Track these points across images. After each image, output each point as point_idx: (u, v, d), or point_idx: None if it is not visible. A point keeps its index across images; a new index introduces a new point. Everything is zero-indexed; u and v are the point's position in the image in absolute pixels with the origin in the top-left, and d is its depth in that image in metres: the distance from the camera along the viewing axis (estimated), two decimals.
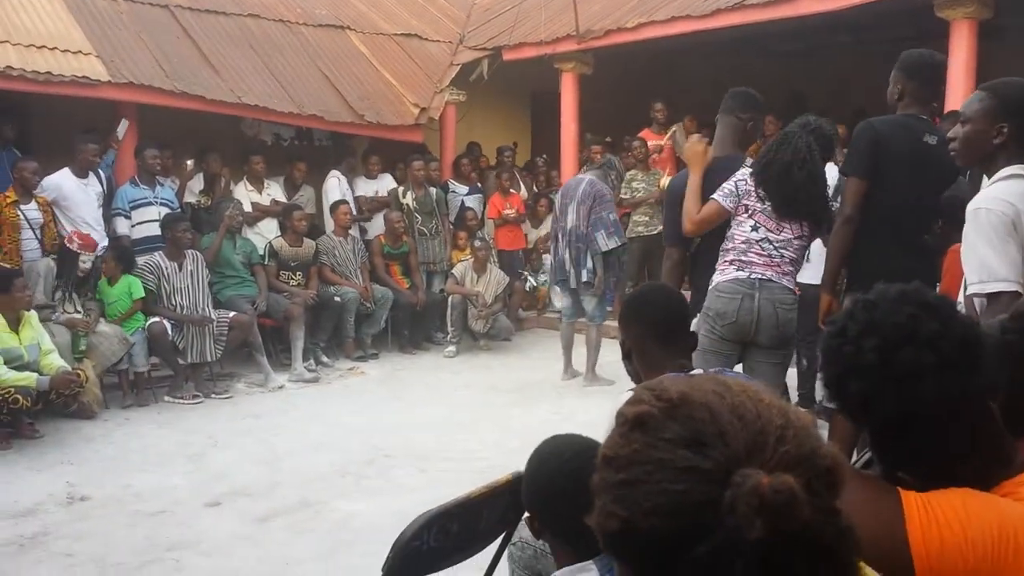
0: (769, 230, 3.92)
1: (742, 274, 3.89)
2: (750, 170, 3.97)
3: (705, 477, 0.82)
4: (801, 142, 3.85)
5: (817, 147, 3.88)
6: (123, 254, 7.16)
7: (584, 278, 7.16)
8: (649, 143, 9.56)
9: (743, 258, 3.91)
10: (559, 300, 7.79)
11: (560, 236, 7.28)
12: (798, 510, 0.79)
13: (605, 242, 7.03)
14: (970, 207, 2.76)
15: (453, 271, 8.92)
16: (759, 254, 3.91)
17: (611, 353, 7.03)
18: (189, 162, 8.26)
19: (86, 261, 6.94)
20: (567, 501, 1.85)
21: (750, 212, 3.93)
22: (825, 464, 0.85)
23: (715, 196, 3.99)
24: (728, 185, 3.97)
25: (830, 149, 4.15)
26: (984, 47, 7.34)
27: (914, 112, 3.86)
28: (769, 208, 3.89)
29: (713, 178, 4.07)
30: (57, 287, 6.87)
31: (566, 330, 7.53)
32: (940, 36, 7.37)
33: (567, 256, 7.19)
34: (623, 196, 9.29)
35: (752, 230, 3.92)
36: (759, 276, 3.88)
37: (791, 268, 3.98)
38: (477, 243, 8.91)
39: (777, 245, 3.92)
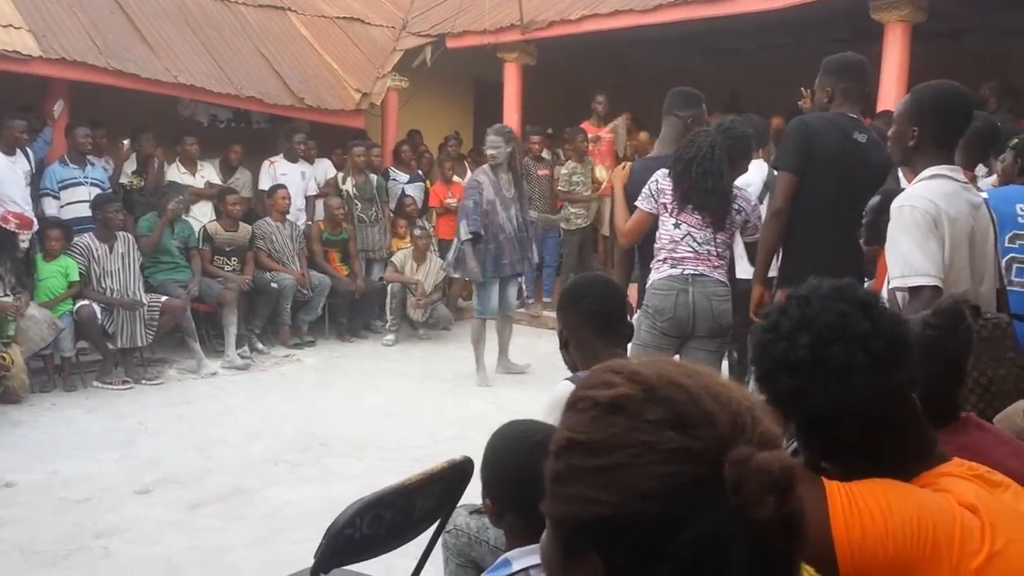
0: (691, 226, 4.12)
1: (675, 271, 4.10)
2: (665, 170, 4.17)
3: (697, 458, 0.81)
4: (705, 141, 4.08)
5: (723, 146, 4.09)
6: (67, 232, 6.95)
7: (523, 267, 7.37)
8: (588, 135, 9.64)
9: (674, 255, 4.13)
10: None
11: (498, 230, 7.07)
12: (798, 486, 0.80)
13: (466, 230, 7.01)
14: (894, 204, 2.86)
15: (393, 259, 8.84)
16: (687, 250, 4.11)
17: (550, 344, 7.08)
18: (125, 142, 8.07)
19: (24, 240, 6.74)
20: (532, 484, 1.88)
21: (670, 211, 4.14)
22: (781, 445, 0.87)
23: (637, 203, 4.25)
24: (644, 188, 4.21)
25: (741, 148, 4.28)
26: (918, 50, 7.53)
27: (844, 111, 3.96)
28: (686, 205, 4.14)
29: (644, 176, 4.30)
30: None
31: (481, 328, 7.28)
32: (875, 38, 7.55)
33: (504, 248, 7.10)
34: (560, 188, 9.36)
35: (675, 227, 4.14)
36: (691, 272, 4.09)
37: (720, 262, 4.17)
38: (417, 231, 8.86)
39: (701, 241, 4.13)
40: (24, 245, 6.76)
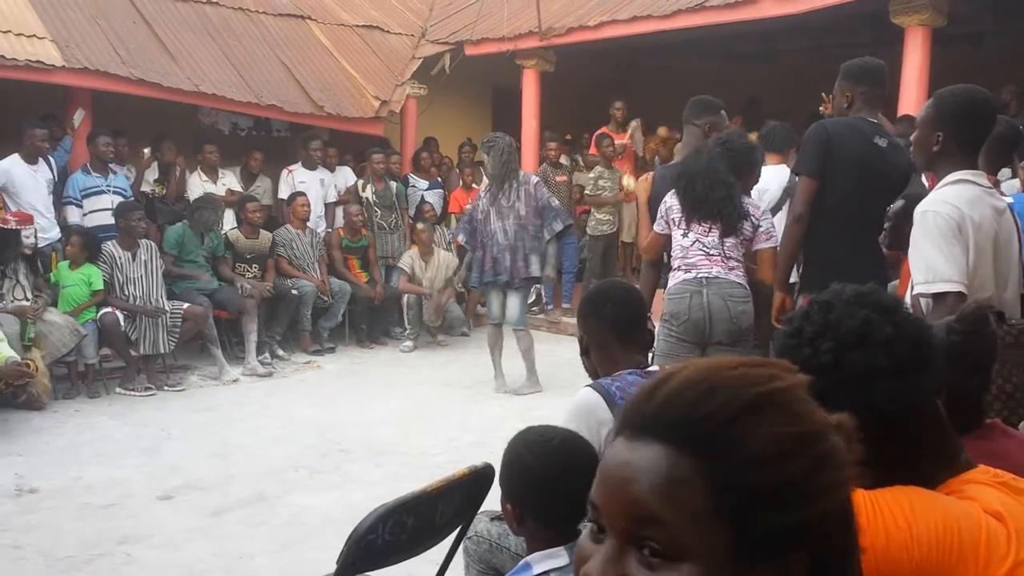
0: (698, 234, 4.17)
1: (688, 275, 4.14)
2: (672, 191, 4.29)
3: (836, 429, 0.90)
4: (704, 156, 4.22)
5: (725, 159, 4.18)
6: (89, 240, 7.01)
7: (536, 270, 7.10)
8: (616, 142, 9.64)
9: (686, 261, 4.18)
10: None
11: (498, 237, 6.90)
12: None
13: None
14: (918, 210, 2.84)
15: (400, 264, 8.79)
16: (698, 254, 4.15)
17: (570, 351, 7.08)
18: (146, 150, 8.15)
19: (28, 236, 6.77)
20: (557, 485, 1.91)
21: (678, 223, 4.22)
22: None
23: (653, 227, 4.40)
24: (658, 212, 4.32)
25: (743, 161, 4.32)
26: (938, 54, 7.49)
27: (864, 116, 3.94)
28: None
29: (666, 185, 4.41)
30: (2, 271, 6.68)
31: (496, 334, 7.20)
32: (895, 42, 7.51)
33: (507, 255, 6.91)
34: (587, 193, 9.35)
35: (683, 236, 4.20)
36: (705, 275, 4.12)
37: (735, 263, 4.17)
38: (419, 225, 8.83)
39: (710, 245, 4.15)
40: (29, 240, 6.77)
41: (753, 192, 5.86)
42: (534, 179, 7.18)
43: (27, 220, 6.83)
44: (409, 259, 8.75)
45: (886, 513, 1.35)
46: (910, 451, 1.44)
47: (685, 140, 4.61)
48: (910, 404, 1.41)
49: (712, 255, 4.13)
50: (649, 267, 4.65)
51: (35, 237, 6.86)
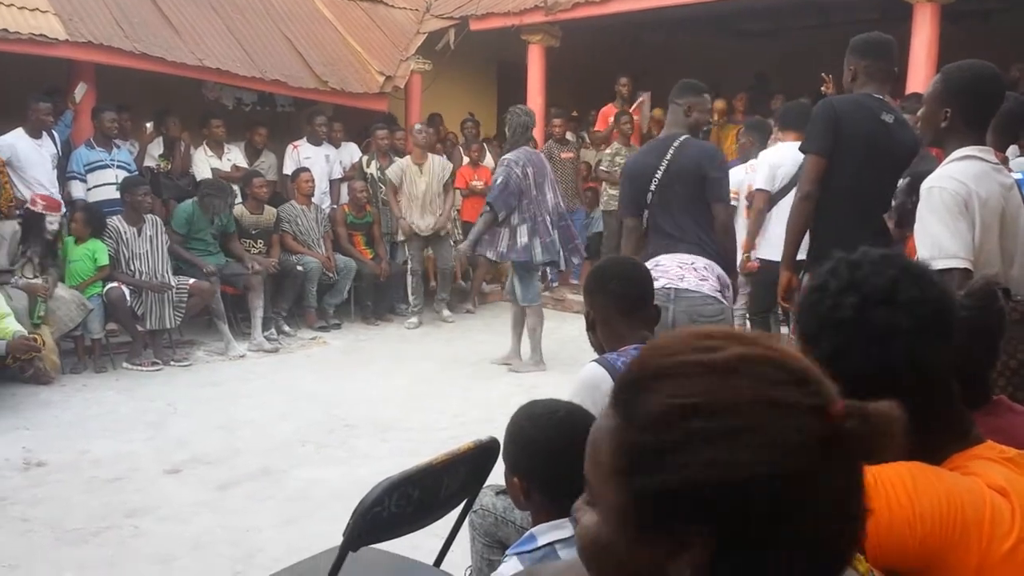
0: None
1: (656, 284, 3.65)
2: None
3: (820, 413, 0.82)
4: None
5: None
6: (93, 215, 7.02)
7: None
8: (611, 119, 9.60)
9: (658, 265, 3.98)
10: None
11: (544, 214, 6.83)
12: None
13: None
14: (924, 186, 2.84)
15: (388, 173, 8.45)
16: (669, 259, 4.05)
17: (575, 328, 7.10)
18: (148, 125, 8.13)
19: (52, 222, 6.81)
20: (563, 457, 1.91)
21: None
22: None
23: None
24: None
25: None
26: (947, 30, 7.43)
27: (870, 91, 3.90)
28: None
29: (643, 156, 4.54)
30: (22, 252, 6.72)
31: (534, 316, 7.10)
32: (903, 18, 7.46)
33: (555, 235, 6.87)
34: (603, 168, 9.31)
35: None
36: (674, 285, 3.92)
37: (707, 273, 4.02)
38: (417, 126, 8.56)
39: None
40: (52, 227, 6.82)
41: (767, 167, 5.88)
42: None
43: (55, 207, 6.86)
44: (399, 168, 8.37)
45: (888, 489, 1.35)
46: (918, 420, 1.44)
47: (669, 119, 4.60)
48: (925, 368, 1.41)
49: (684, 263, 4.01)
50: (635, 227, 4.46)
51: (58, 224, 6.87)
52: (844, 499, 0.82)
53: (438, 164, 8.53)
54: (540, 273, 7.18)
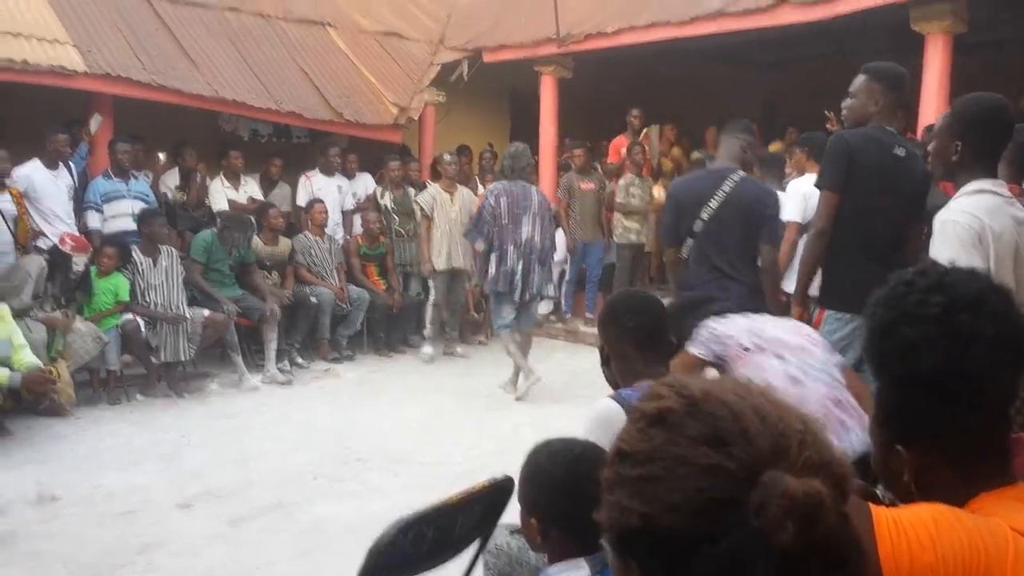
0: None
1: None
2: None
3: (729, 476, 0.81)
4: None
5: None
6: (124, 251, 7.05)
7: (547, 291, 7.44)
8: (622, 150, 9.63)
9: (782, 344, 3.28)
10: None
11: (511, 246, 7.05)
12: (826, 515, 0.79)
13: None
14: (937, 219, 2.83)
15: (419, 199, 8.51)
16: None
17: (588, 361, 7.09)
18: (161, 155, 8.20)
19: (78, 264, 6.86)
20: (578, 496, 1.90)
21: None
22: (841, 472, 0.86)
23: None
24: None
25: None
26: (958, 61, 7.44)
27: (884, 124, 3.89)
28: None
29: (696, 184, 4.46)
30: (46, 289, 6.77)
31: (510, 340, 7.31)
32: (914, 49, 7.46)
33: (519, 267, 7.07)
34: (618, 200, 9.31)
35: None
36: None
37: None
38: (447, 157, 8.60)
39: None
40: (78, 268, 6.88)
41: (799, 197, 5.86)
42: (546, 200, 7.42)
43: (83, 248, 6.91)
44: (430, 196, 8.41)
45: (909, 533, 1.33)
46: (973, 441, 1.42)
47: (723, 152, 4.59)
48: (998, 382, 1.39)
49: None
50: (676, 257, 4.50)
51: (83, 266, 6.91)
52: (745, 565, 0.80)
53: (467, 193, 8.64)
54: (516, 302, 7.20)
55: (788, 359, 3.02)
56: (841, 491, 0.84)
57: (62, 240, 6.81)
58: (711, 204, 4.27)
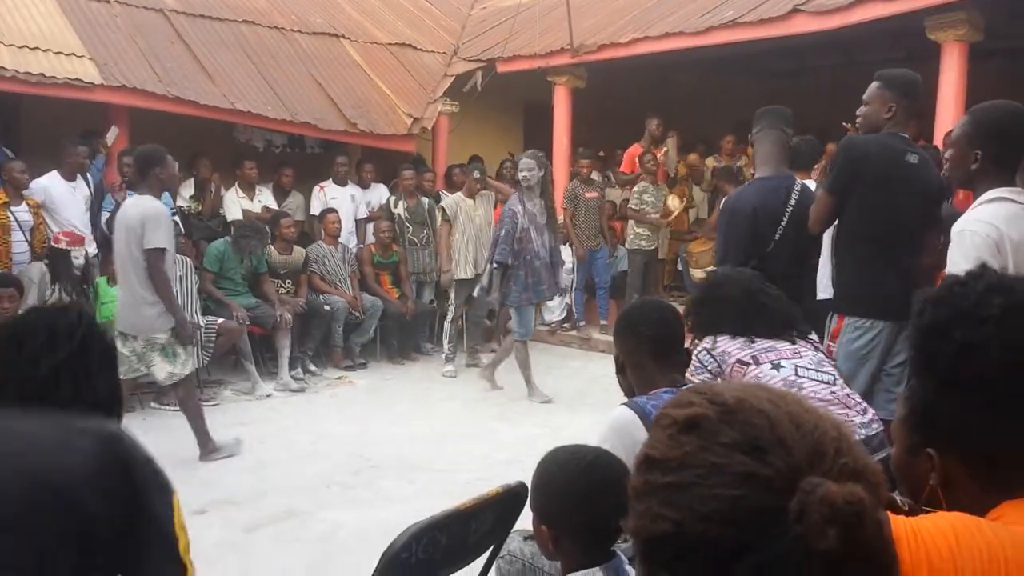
0: None
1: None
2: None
3: (765, 484, 0.81)
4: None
5: None
6: None
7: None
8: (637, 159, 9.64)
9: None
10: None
11: (531, 257, 7.19)
12: (867, 521, 0.79)
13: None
14: (955, 228, 2.82)
15: (444, 204, 8.57)
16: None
17: (601, 368, 7.07)
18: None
19: (78, 256, 6.89)
20: (591, 503, 1.91)
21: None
22: (876, 478, 0.86)
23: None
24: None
25: None
26: (974, 69, 7.41)
27: (898, 130, 3.88)
28: None
29: (768, 196, 4.18)
30: (53, 291, 6.80)
31: (526, 351, 7.40)
32: (929, 57, 7.45)
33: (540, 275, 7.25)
34: (631, 207, 9.32)
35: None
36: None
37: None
38: (475, 173, 8.60)
39: None
40: (78, 262, 6.89)
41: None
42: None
43: (77, 241, 6.95)
44: (453, 203, 8.46)
45: (928, 544, 1.31)
46: (1002, 449, 1.40)
47: (770, 146, 4.31)
48: None
49: None
50: None
51: (84, 258, 6.95)
52: (783, 572, 0.80)
53: (489, 200, 8.65)
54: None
55: (784, 365, 3.02)
56: (878, 497, 0.84)
57: (56, 239, 6.84)
58: (783, 220, 4.08)
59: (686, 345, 2.80)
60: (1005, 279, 1.41)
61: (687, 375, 2.90)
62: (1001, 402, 1.38)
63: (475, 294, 7.83)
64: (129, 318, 5.50)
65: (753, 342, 3.07)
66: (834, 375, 3.11)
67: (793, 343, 3.11)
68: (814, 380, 3.03)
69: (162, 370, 5.59)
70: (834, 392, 3.03)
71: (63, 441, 1.70)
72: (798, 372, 3.01)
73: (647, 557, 0.86)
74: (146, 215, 5.36)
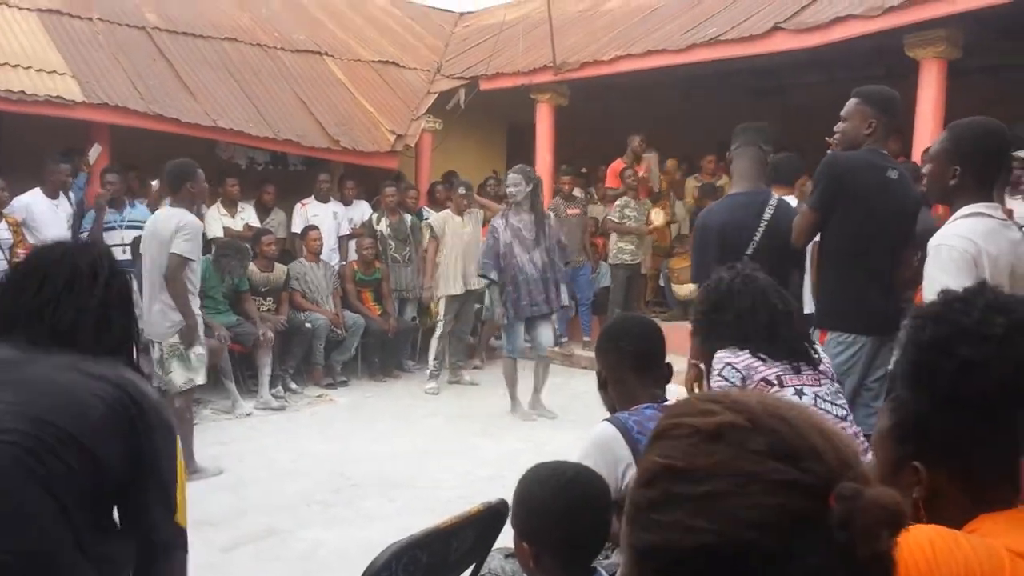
0: None
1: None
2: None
3: (806, 491, 0.80)
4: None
5: None
6: None
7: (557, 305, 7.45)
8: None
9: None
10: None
11: (516, 273, 7.15)
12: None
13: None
14: (932, 243, 2.83)
15: (431, 221, 8.55)
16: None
17: (584, 384, 7.06)
18: (154, 183, 8.21)
19: None
20: (571, 520, 1.90)
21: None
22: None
23: None
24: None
25: None
26: (953, 86, 7.48)
27: (878, 147, 3.91)
28: None
29: (737, 212, 4.14)
30: None
31: (513, 368, 7.38)
32: (908, 74, 7.51)
33: (526, 290, 7.19)
34: (611, 218, 9.34)
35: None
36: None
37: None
38: (461, 189, 8.53)
39: None
40: None
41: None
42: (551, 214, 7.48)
43: None
44: (441, 219, 8.41)
45: (907, 558, 1.31)
46: (991, 464, 1.40)
47: (748, 163, 4.27)
48: None
49: None
50: None
51: None
52: None
53: (476, 216, 8.62)
54: (534, 327, 7.32)
55: (806, 392, 2.84)
56: None
57: (26, 249, 6.78)
58: (756, 237, 4.00)
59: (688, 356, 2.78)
60: (1004, 298, 1.43)
61: (713, 382, 2.79)
62: (998, 419, 1.39)
63: (483, 317, 7.77)
64: (155, 327, 5.61)
65: (775, 360, 2.83)
66: (847, 410, 2.93)
67: (815, 367, 2.88)
68: (830, 414, 2.89)
69: (181, 376, 5.68)
70: (844, 428, 2.94)
71: (81, 386, 1.81)
72: (817, 403, 2.90)
73: (667, 571, 0.84)
74: (182, 225, 5.50)
